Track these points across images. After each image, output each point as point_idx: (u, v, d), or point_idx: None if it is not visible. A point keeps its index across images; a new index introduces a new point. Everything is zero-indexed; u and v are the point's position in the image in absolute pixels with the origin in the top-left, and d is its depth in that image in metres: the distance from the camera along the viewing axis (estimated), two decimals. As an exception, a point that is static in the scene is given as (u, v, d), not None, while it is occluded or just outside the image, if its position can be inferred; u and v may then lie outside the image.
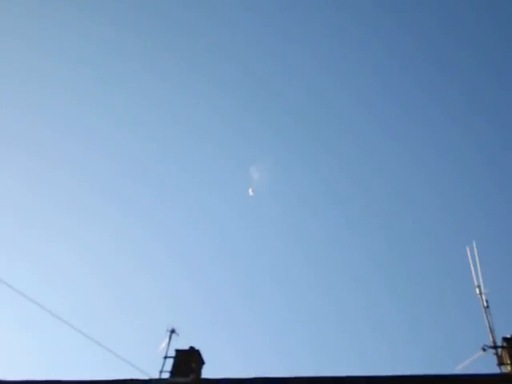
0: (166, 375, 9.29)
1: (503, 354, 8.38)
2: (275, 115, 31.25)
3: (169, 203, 30.81)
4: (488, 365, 8.54)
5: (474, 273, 9.19)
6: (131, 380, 8.45)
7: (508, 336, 8.51)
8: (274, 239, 29.53)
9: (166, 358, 9.43)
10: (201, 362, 9.54)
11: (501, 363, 8.31)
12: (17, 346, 25.51)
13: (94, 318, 25.41)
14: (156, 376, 9.24)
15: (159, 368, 9.39)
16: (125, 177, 30.95)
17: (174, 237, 30.36)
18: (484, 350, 8.48)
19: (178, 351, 9.54)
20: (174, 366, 9.32)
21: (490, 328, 8.71)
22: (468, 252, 9.41)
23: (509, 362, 8.20)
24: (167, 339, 9.64)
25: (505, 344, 8.45)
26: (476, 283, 9.16)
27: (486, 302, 8.92)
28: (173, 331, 9.64)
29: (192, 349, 9.52)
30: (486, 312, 8.86)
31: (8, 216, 27.76)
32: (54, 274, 28.61)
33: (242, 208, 28.33)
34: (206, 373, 9.68)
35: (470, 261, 9.30)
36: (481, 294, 9.00)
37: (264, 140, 31.16)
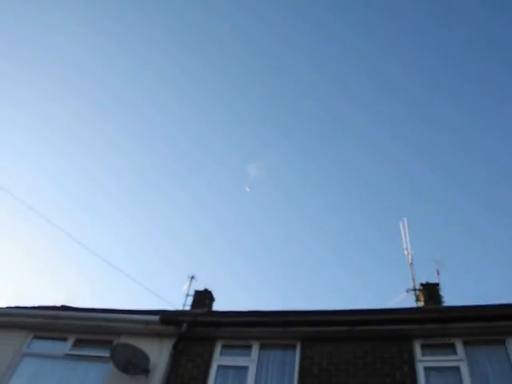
0: (187, 308, 11.40)
1: (419, 295, 10.60)
2: (273, 113, 31.68)
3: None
4: (409, 302, 10.81)
5: (404, 240, 11.59)
6: (162, 310, 9.83)
7: (423, 282, 10.69)
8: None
9: (187, 295, 11.65)
10: (212, 300, 11.50)
11: (417, 300, 10.59)
12: (71, 283, 29.08)
13: (135, 262, 29.71)
14: (180, 308, 11.38)
15: (182, 303, 11.61)
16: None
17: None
18: (407, 291, 10.80)
19: (196, 291, 11.63)
20: (193, 301, 11.41)
21: (412, 277, 11.04)
22: (401, 225, 11.82)
23: (423, 299, 10.37)
24: (188, 282, 11.82)
25: (421, 288, 10.67)
26: (405, 246, 11.50)
27: (411, 259, 11.26)
28: (192, 277, 11.92)
29: (206, 290, 11.53)
30: (410, 266, 11.20)
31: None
32: (99, 217, 31.32)
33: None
34: (216, 307, 11.62)
35: (402, 232, 11.69)
36: (408, 254, 11.31)
37: (261, 138, 32.07)
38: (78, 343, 9.19)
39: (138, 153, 31.83)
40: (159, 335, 8.75)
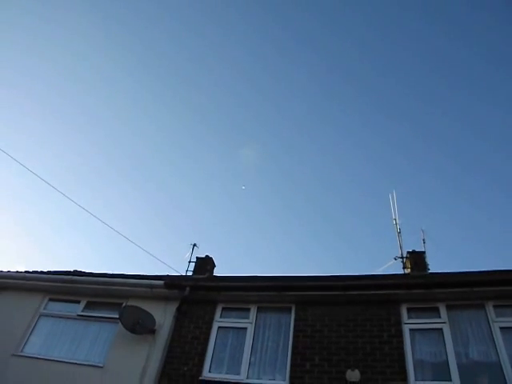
0: (189, 273, 11.40)
1: (406, 262, 10.58)
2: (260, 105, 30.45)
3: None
4: (397, 268, 10.81)
5: (393, 211, 11.53)
6: (167, 275, 9.81)
7: (410, 250, 10.66)
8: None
9: (189, 262, 11.58)
10: (213, 265, 11.45)
11: (405, 267, 10.57)
12: (90, 256, 29.02)
13: (143, 233, 30.07)
14: (183, 274, 11.38)
15: (185, 268, 11.59)
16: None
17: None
18: (395, 259, 10.72)
19: (198, 258, 11.57)
20: (195, 267, 11.38)
21: (400, 245, 11.01)
22: (390, 197, 11.74)
23: (409, 266, 10.36)
24: (191, 250, 11.73)
25: (408, 255, 10.64)
26: (393, 217, 11.43)
27: (399, 229, 11.23)
28: (194, 245, 11.81)
29: (207, 256, 11.42)
30: (398, 236, 11.15)
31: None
32: (112, 194, 31.03)
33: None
34: (217, 272, 11.60)
35: (391, 203, 11.60)
36: (396, 224, 11.28)
37: (250, 127, 31.21)
38: (89, 305, 9.29)
39: (137, 143, 31.24)
40: (164, 298, 8.77)
